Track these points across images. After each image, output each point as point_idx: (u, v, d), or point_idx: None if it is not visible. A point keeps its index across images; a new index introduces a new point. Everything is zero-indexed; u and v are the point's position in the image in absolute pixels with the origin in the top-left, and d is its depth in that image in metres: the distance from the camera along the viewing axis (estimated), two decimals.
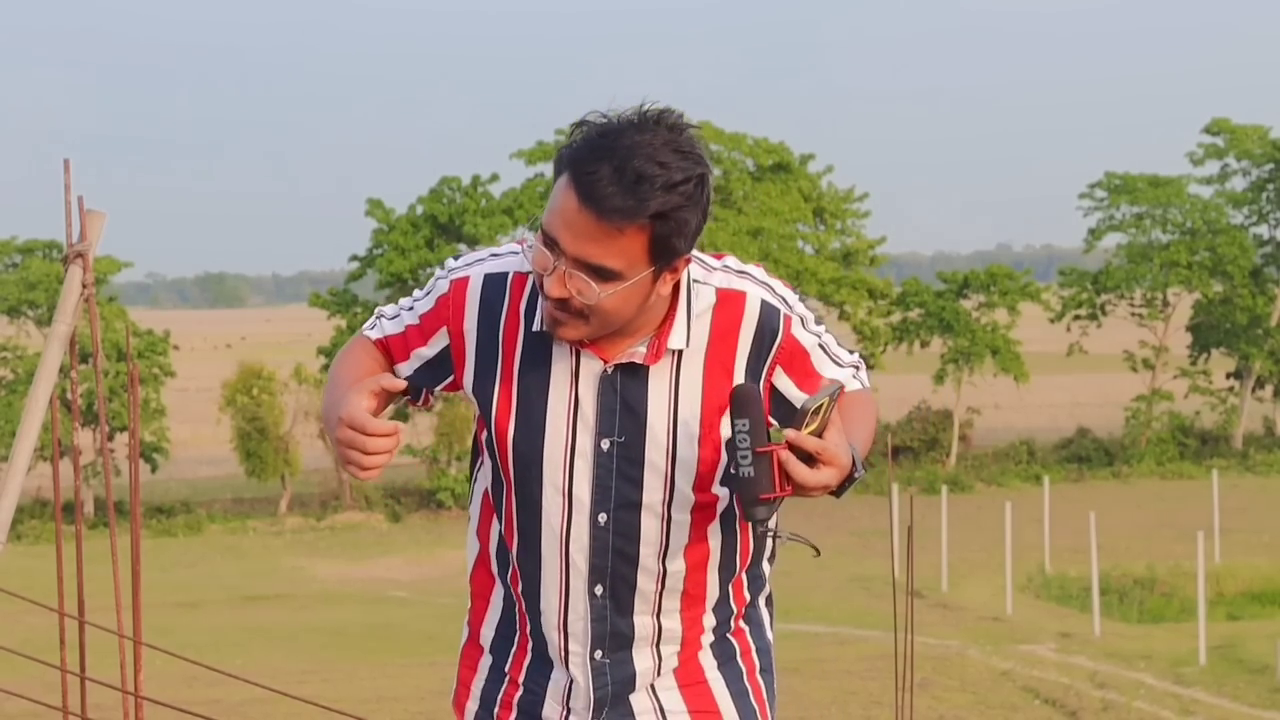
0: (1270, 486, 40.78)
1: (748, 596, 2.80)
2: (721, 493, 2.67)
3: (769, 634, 2.86)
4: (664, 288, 2.56)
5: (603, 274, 2.48)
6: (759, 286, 2.70)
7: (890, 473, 10.61)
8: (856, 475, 2.52)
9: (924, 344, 46.55)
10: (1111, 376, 51.39)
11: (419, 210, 44.11)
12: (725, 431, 2.62)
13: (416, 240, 43.47)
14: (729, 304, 2.66)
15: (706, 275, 2.68)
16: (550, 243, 2.49)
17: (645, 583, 2.68)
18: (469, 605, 2.89)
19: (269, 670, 20.19)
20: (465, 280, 2.70)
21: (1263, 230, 48.55)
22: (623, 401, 2.62)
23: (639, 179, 2.42)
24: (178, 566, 33.13)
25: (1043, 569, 28.82)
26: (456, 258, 2.77)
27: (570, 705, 2.73)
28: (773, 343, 2.67)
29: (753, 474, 2.44)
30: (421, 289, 2.78)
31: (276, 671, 20.39)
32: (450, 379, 2.73)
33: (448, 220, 43.75)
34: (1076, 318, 47.92)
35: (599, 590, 2.67)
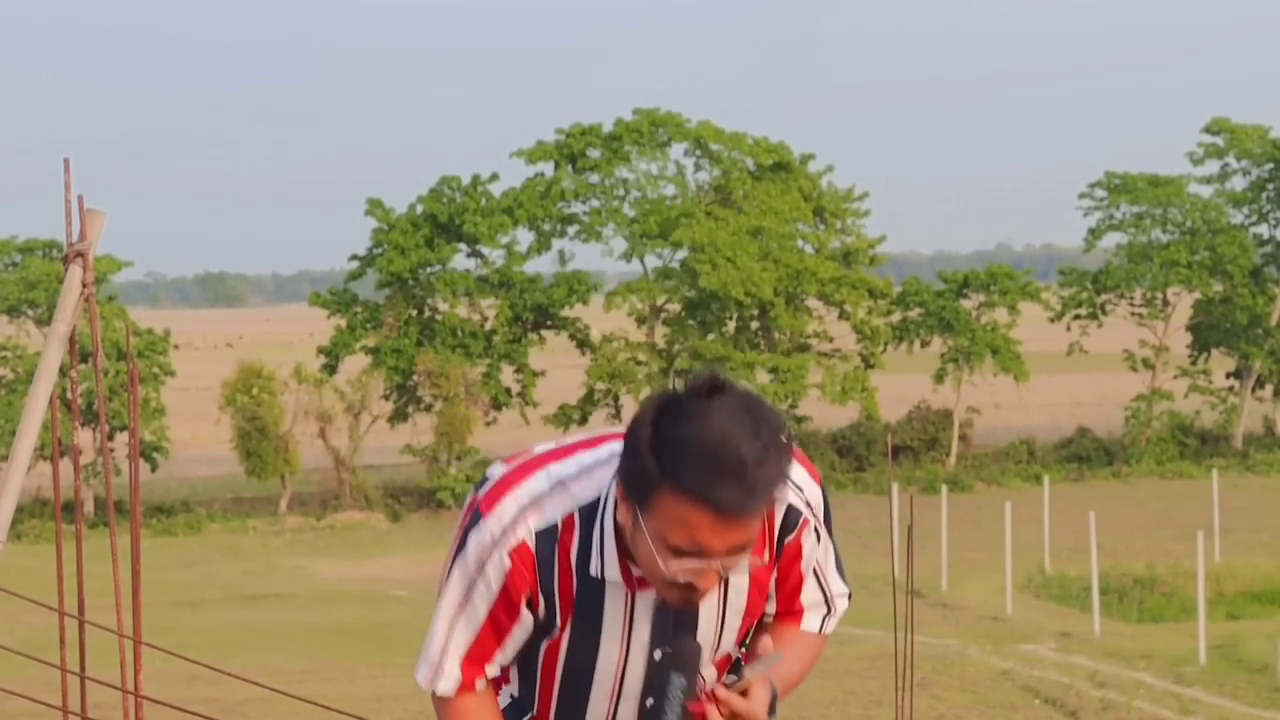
0: (1270, 486, 40.78)
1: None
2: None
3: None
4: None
5: (744, 566, 2.59)
6: (787, 490, 2.69)
7: (890, 472, 10.61)
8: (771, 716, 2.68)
9: (924, 343, 46.55)
10: (1111, 376, 51.40)
11: (419, 209, 44.09)
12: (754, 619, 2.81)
13: (416, 239, 43.47)
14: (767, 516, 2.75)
15: None
16: (684, 553, 2.52)
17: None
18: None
19: (269, 669, 20.19)
20: (523, 546, 2.65)
21: (1263, 230, 48.55)
22: (675, 619, 2.70)
23: (764, 480, 2.48)
24: (178, 566, 33.13)
25: (1043, 568, 28.82)
26: (480, 498, 2.71)
27: None
28: (786, 536, 2.74)
29: None
30: (456, 580, 2.71)
31: (276, 671, 20.39)
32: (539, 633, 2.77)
33: (448, 219, 43.75)
34: (1076, 317, 47.91)
35: (649, 702, 2.75)
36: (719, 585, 2.63)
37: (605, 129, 44.45)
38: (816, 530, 2.77)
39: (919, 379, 46.43)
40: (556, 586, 2.66)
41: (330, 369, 43.92)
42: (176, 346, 45.38)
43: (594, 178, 44.52)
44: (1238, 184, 48.23)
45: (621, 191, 44.66)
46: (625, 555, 2.62)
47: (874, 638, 22.51)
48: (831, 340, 45.60)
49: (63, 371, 3.56)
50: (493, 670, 2.74)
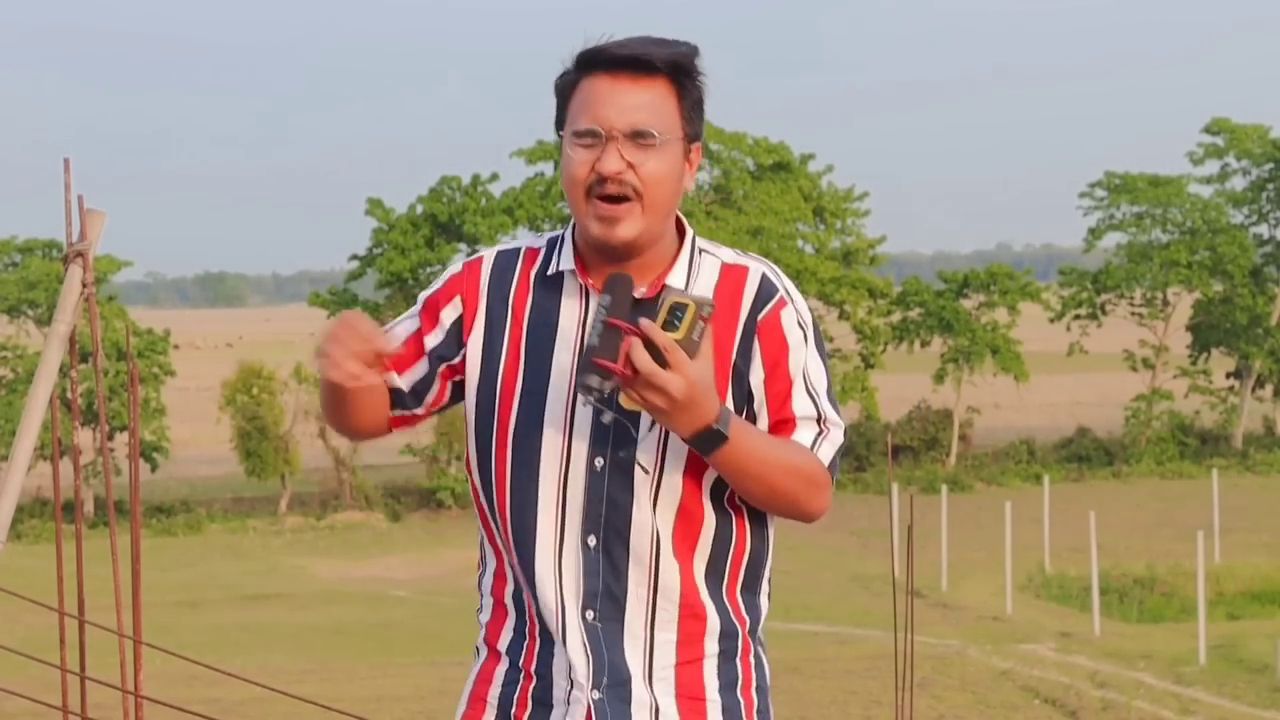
0: (1270, 486, 40.77)
1: (747, 619, 2.74)
2: (710, 492, 2.66)
3: (768, 676, 2.81)
4: (689, 179, 2.69)
5: (648, 136, 2.61)
6: (765, 267, 2.74)
7: (890, 472, 10.62)
8: (716, 427, 2.51)
9: (924, 343, 46.55)
10: (1111, 376, 51.40)
11: (419, 209, 44.09)
12: (729, 401, 2.65)
13: (416, 240, 43.47)
14: (732, 276, 2.71)
15: (714, 249, 2.75)
16: (589, 132, 2.62)
17: (638, 540, 2.64)
18: (485, 619, 2.83)
19: (269, 669, 20.20)
20: (479, 259, 2.78)
21: (1263, 230, 48.55)
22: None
23: (655, 41, 2.65)
24: (178, 566, 33.13)
25: (1043, 568, 28.82)
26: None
27: (573, 679, 2.68)
28: (759, 311, 2.69)
29: (597, 343, 2.49)
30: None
31: (276, 671, 20.39)
32: (458, 357, 2.74)
33: (448, 219, 43.74)
34: (1076, 317, 47.91)
35: (591, 541, 2.64)
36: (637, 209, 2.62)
37: None
38: (800, 324, 2.73)
39: (919, 379, 46.43)
40: (513, 296, 2.71)
41: None
42: (177, 346, 45.36)
43: None
44: (1238, 184, 48.26)
45: None
46: (579, 256, 2.69)
47: (874, 638, 22.52)
48: (831, 340, 45.59)
49: (63, 371, 3.56)
50: (405, 379, 2.75)
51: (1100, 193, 48.05)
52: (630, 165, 2.60)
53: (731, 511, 2.70)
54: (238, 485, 44.25)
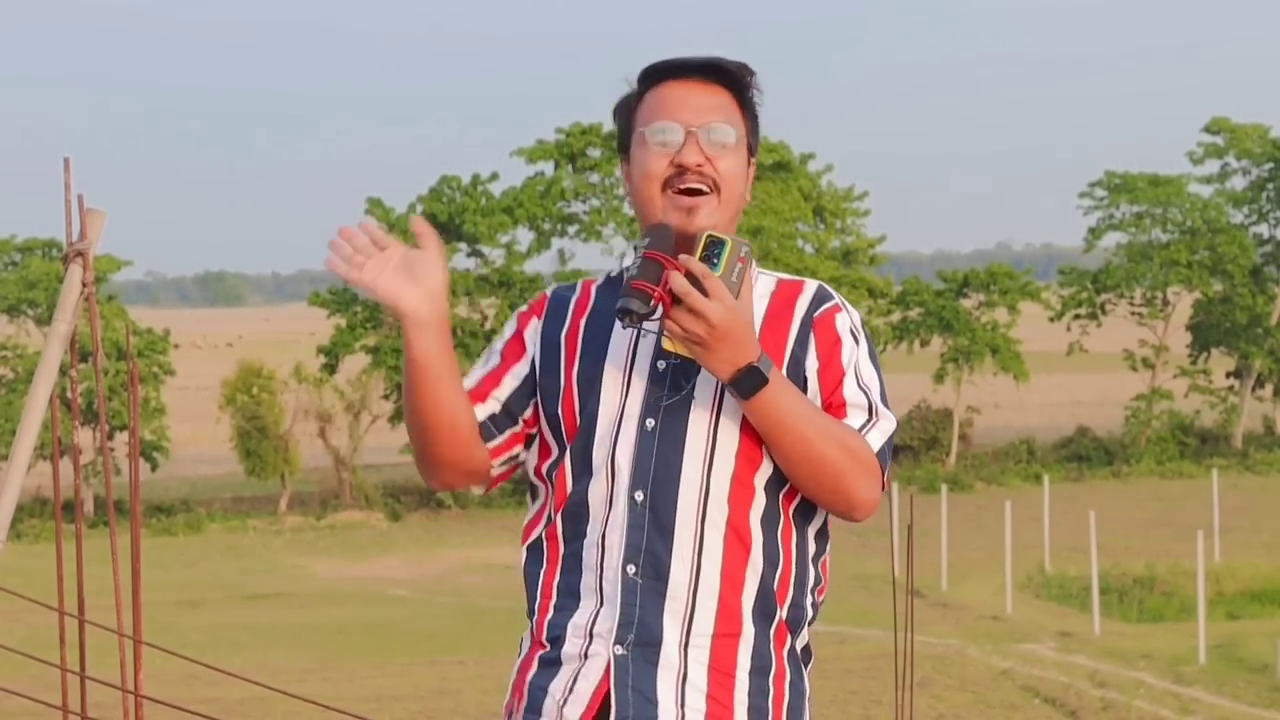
0: (1270, 486, 40.77)
1: (789, 624, 2.73)
2: (765, 469, 2.68)
3: (808, 682, 2.78)
4: (747, 190, 2.87)
5: (725, 133, 2.79)
6: (819, 283, 2.83)
7: (890, 472, 10.66)
8: (757, 364, 2.56)
9: (924, 343, 46.55)
10: (1111, 376, 51.40)
11: (419, 209, 44.09)
12: None
13: (417, 240, 43.44)
14: (787, 286, 2.80)
15: (771, 272, 2.84)
16: (662, 133, 2.75)
17: (686, 500, 2.65)
18: (534, 610, 2.80)
19: (269, 669, 20.19)
20: (541, 297, 2.89)
21: (1263, 229, 48.55)
22: (682, 364, 2.69)
23: (719, 59, 2.82)
24: (178, 565, 33.13)
25: (1042, 568, 28.82)
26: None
27: (593, 632, 2.67)
28: (815, 310, 2.75)
29: (636, 273, 2.57)
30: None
31: (276, 670, 20.39)
32: (538, 378, 2.81)
33: (448, 219, 43.74)
34: (1076, 317, 47.91)
35: (639, 496, 2.65)
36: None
37: (605, 128, 44.43)
38: (853, 330, 2.76)
39: (919, 379, 46.43)
40: (565, 328, 2.79)
41: (330, 368, 43.92)
42: (177, 346, 45.37)
43: (594, 177, 44.52)
44: (1238, 184, 48.27)
45: (622, 191, 44.66)
46: None
47: (874, 637, 22.51)
48: None
49: (63, 371, 3.56)
50: (491, 404, 2.79)
51: (1100, 192, 48.06)
52: (712, 157, 2.75)
53: (782, 505, 2.70)
54: (238, 485, 44.25)
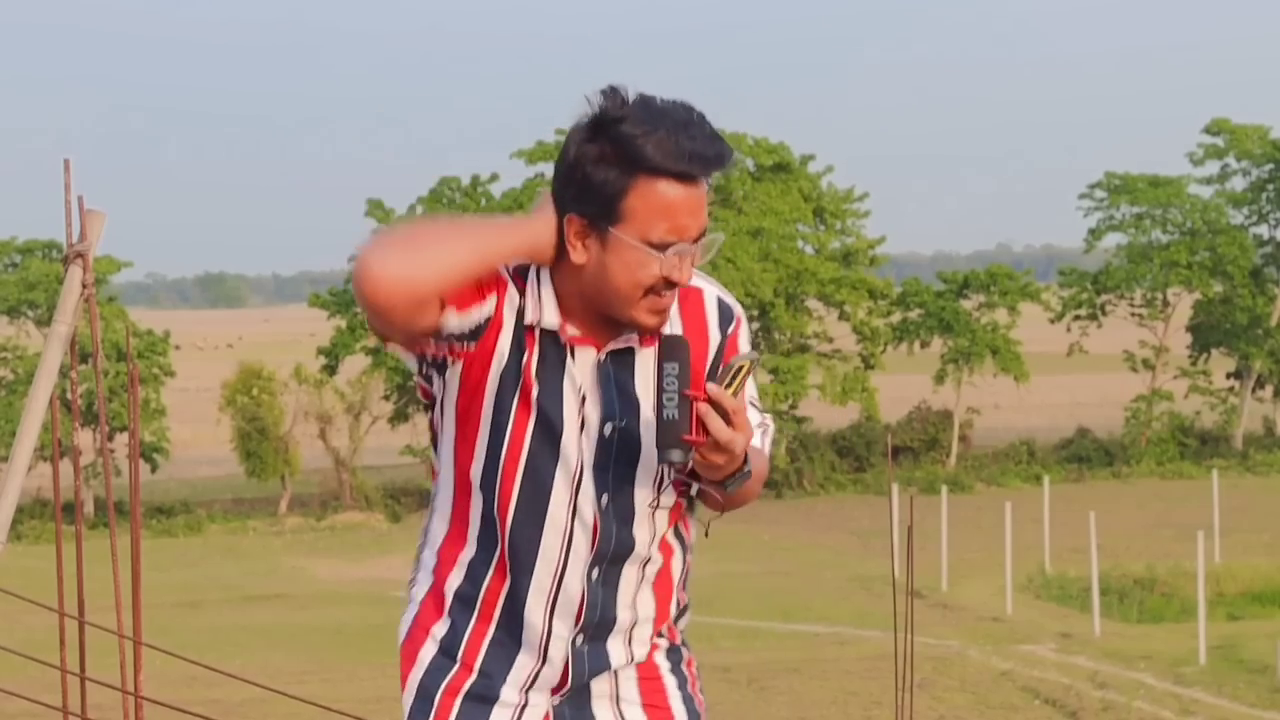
0: (1270, 486, 40.76)
1: (676, 612, 2.86)
2: (687, 483, 2.74)
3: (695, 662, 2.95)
4: None
5: (702, 237, 2.63)
6: (714, 287, 2.82)
7: (890, 473, 10.60)
8: (746, 469, 2.61)
9: (924, 344, 46.55)
10: (1111, 376, 51.39)
11: (419, 210, 44.10)
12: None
13: None
14: (690, 300, 2.77)
15: None
16: (663, 246, 2.58)
17: (631, 570, 2.73)
18: (419, 594, 2.88)
19: (269, 670, 20.18)
20: (506, 283, 2.67)
21: (1263, 230, 48.56)
22: (618, 387, 2.68)
23: (717, 136, 2.61)
24: (178, 566, 33.13)
25: (1043, 569, 28.81)
26: None
27: (530, 691, 2.74)
28: (725, 331, 2.77)
29: (676, 416, 2.54)
30: None
31: (276, 671, 20.39)
32: (471, 347, 2.67)
33: None
34: (1076, 318, 47.92)
35: (595, 574, 2.71)
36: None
37: None
38: (749, 339, 2.81)
39: (919, 379, 46.43)
40: (523, 356, 2.65)
41: (330, 369, 43.92)
42: (178, 347, 45.39)
43: None
44: (1238, 184, 48.28)
45: None
46: (564, 310, 2.64)
47: (874, 638, 22.51)
48: (831, 341, 45.58)
49: (63, 372, 3.56)
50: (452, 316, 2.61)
51: (1100, 193, 48.07)
52: (694, 265, 2.66)
53: (687, 528, 2.82)
54: (238, 486, 44.25)
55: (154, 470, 41.94)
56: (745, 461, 2.60)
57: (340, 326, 44.55)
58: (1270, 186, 47.96)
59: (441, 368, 2.70)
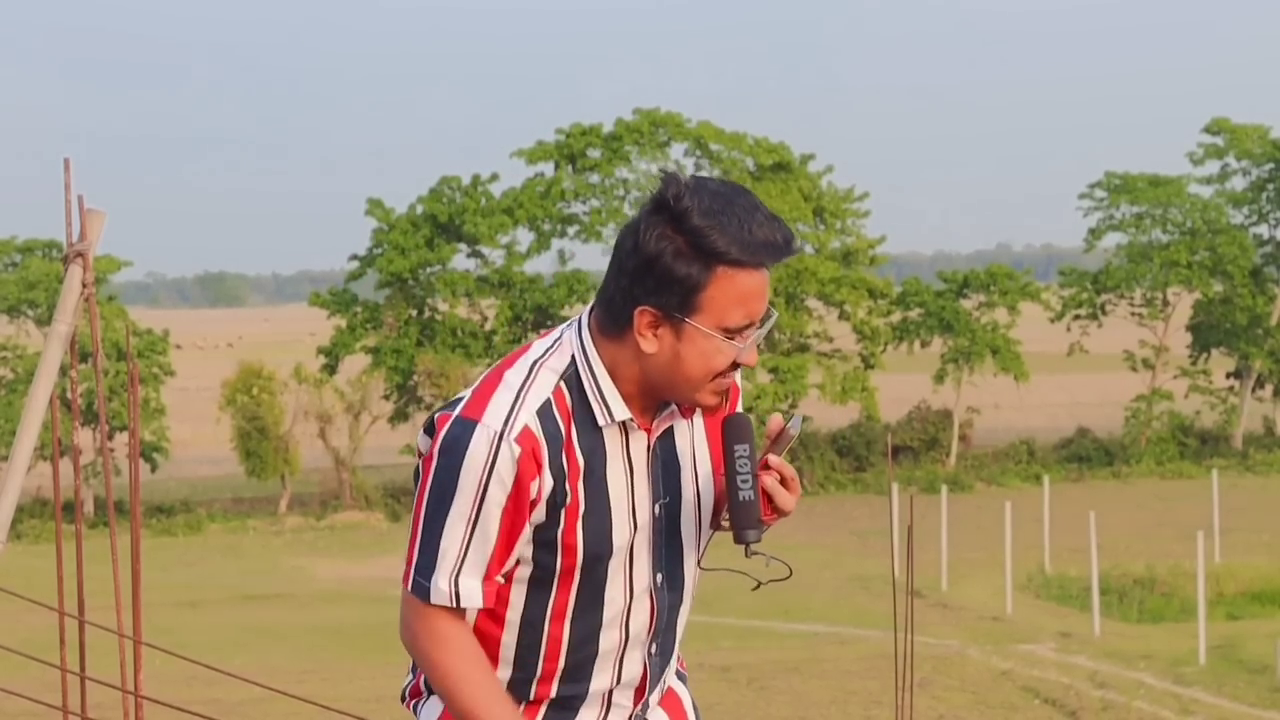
0: (1270, 486, 40.76)
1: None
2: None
3: None
4: None
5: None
6: None
7: (890, 472, 10.61)
8: (768, 522, 2.74)
9: (924, 344, 46.55)
10: (1111, 376, 51.39)
11: (419, 210, 44.10)
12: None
13: (416, 240, 43.47)
14: None
15: None
16: (745, 327, 2.64)
17: (678, 629, 2.88)
18: (534, 671, 2.84)
19: (268, 669, 20.19)
20: (527, 431, 2.62)
21: (1263, 230, 48.55)
22: (663, 464, 2.76)
23: (778, 221, 2.64)
24: (178, 566, 33.14)
25: (1042, 569, 28.82)
26: (460, 412, 2.66)
27: (613, 701, 2.84)
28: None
29: (752, 497, 2.63)
30: (464, 487, 2.63)
31: (276, 671, 20.39)
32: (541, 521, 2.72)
33: (448, 220, 43.75)
34: (1076, 317, 47.92)
35: (654, 649, 2.82)
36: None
37: (605, 129, 44.46)
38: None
39: (919, 379, 46.43)
40: (565, 459, 2.65)
41: (330, 369, 43.92)
42: (178, 346, 45.40)
43: (594, 178, 44.52)
44: (1238, 184, 48.26)
45: (621, 191, 44.65)
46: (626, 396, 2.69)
47: (874, 638, 22.52)
48: (831, 340, 45.59)
49: (63, 371, 3.56)
50: (496, 582, 2.68)
51: (1100, 193, 48.06)
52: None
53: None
54: (238, 485, 44.25)
55: (154, 470, 41.94)
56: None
57: (340, 326, 44.55)
58: (1270, 186, 47.95)
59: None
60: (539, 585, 2.71)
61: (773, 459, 2.63)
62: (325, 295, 45.52)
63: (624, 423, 2.68)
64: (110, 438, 39.18)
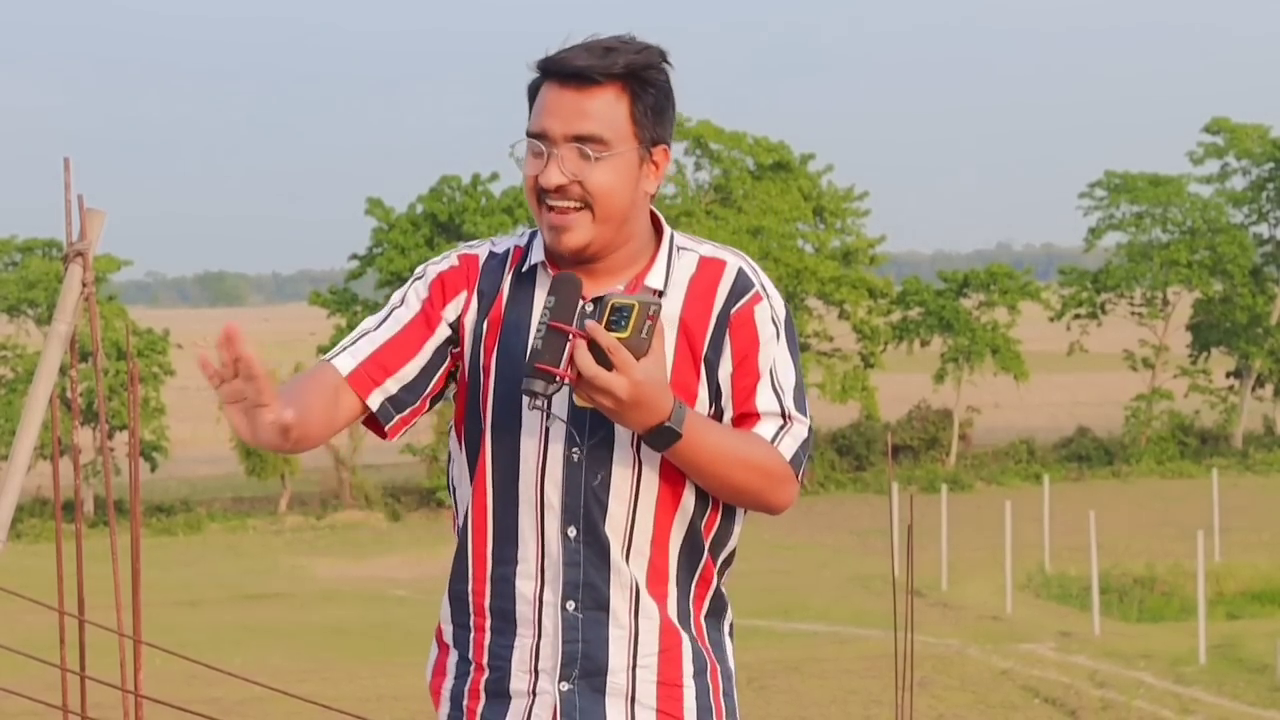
0: (1270, 486, 40.76)
1: (707, 608, 2.77)
2: (688, 496, 2.69)
3: (731, 662, 2.82)
4: (651, 183, 2.68)
5: (591, 141, 2.61)
6: (743, 261, 2.75)
7: (890, 472, 10.61)
8: (668, 424, 2.53)
9: (924, 343, 46.56)
10: (1111, 375, 51.39)
11: (419, 209, 44.10)
12: (702, 393, 2.67)
13: (416, 239, 43.47)
14: (708, 269, 2.72)
15: (695, 245, 2.76)
16: (537, 138, 2.64)
17: (615, 529, 2.66)
18: (442, 613, 2.85)
19: (268, 669, 20.19)
20: (474, 255, 2.78)
21: (1263, 229, 48.56)
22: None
23: (608, 48, 2.63)
24: (178, 565, 33.14)
25: (1042, 568, 28.81)
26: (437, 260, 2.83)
27: (538, 668, 2.68)
28: (733, 304, 2.70)
29: (540, 347, 2.51)
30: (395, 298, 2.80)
31: (276, 670, 20.38)
32: (456, 348, 2.75)
33: (448, 219, 43.75)
34: (1076, 317, 47.92)
35: (572, 532, 2.66)
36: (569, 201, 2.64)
37: None
38: (774, 320, 2.71)
39: (919, 378, 46.43)
40: (496, 293, 2.72)
41: None
42: (178, 346, 45.39)
43: None
44: (1238, 184, 48.28)
45: None
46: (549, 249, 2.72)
47: (874, 638, 22.52)
48: (831, 340, 45.59)
49: (63, 371, 3.56)
50: (389, 387, 2.73)
51: (1100, 192, 48.07)
52: (575, 177, 2.62)
53: (708, 500, 2.71)
54: (237, 485, 44.25)
55: (154, 469, 41.93)
56: (670, 417, 2.53)
57: (340, 325, 44.54)
58: (1270, 185, 47.96)
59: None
60: (470, 462, 2.73)
61: (589, 323, 2.48)
62: (325, 295, 45.53)
63: (540, 266, 2.71)
64: (110, 437, 39.15)
